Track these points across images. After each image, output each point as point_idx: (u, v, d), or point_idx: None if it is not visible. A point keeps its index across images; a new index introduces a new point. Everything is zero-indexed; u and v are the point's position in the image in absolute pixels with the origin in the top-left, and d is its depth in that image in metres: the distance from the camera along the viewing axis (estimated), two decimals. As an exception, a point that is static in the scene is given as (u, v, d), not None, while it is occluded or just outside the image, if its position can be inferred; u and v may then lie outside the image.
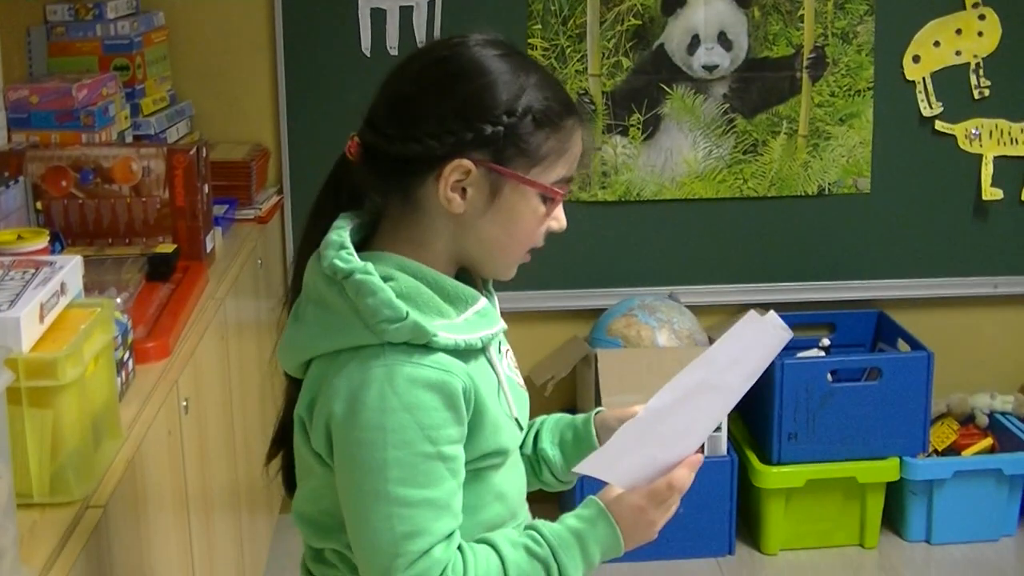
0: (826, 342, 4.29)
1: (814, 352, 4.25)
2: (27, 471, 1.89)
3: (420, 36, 3.96)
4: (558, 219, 1.80)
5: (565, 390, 4.12)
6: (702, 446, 1.84)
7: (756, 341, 1.78)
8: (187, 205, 3.05)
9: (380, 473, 1.64)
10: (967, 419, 4.35)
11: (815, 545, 4.15)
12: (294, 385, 1.81)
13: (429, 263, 1.74)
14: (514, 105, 1.71)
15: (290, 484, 1.89)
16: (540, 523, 1.77)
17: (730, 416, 4.05)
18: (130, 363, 2.37)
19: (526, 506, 1.91)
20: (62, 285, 2.03)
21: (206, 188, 3.12)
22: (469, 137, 1.69)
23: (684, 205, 4.20)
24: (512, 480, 1.85)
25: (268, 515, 3.70)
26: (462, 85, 1.71)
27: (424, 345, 1.66)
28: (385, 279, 1.68)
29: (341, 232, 1.72)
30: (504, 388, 1.80)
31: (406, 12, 3.99)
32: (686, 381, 1.76)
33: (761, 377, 4.12)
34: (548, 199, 1.76)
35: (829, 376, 4.02)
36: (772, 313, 1.75)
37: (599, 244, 4.20)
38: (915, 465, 4.06)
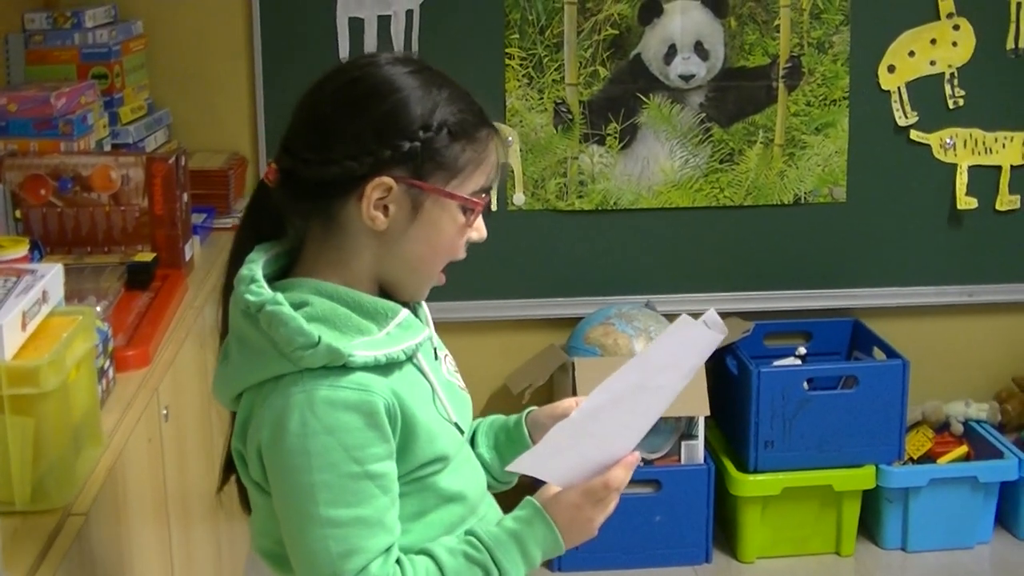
0: (802, 350, 4.32)
1: (791, 360, 4.28)
2: (8, 479, 1.89)
3: (398, 45, 3.97)
4: (478, 229, 1.84)
5: (542, 398, 4.13)
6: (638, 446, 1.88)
7: (691, 342, 1.80)
8: (166, 213, 3.05)
9: (309, 497, 1.67)
10: (942, 427, 4.37)
11: (792, 553, 4.17)
12: (234, 417, 1.84)
13: (352, 284, 1.77)
14: (429, 120, 1.73)
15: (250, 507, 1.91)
16: (478, 527, 1.80)
17: (707, 424, 4.06)
18: (110, 371, 2.37)
19: (488, 499, 1.93)
20: (44, 293, 2.03)
21: (185, 197, 3.12)
22: (387, 155, 1.72)
23: (661, 214, 4.21)
24: (464, 479, 1.86)
25: (246, 523, 3.69)
26: (376, 104, 1.73)
27: (342, 366, 1.68)
28: (299, 305, 1.70)
29: (252, 266, 1.75)
30: (439, 394, 1.82)
31: (384, 21, 3.99)
32: (620, 382, 1.79)
33: (738, 385, 4.15)
34: (468, 210, 1.79)
35: (805, 384, 4.04)
36: (712, 312, 1.78)
37: (576, 253, 4.22)
38: (891, 473, 4.08)
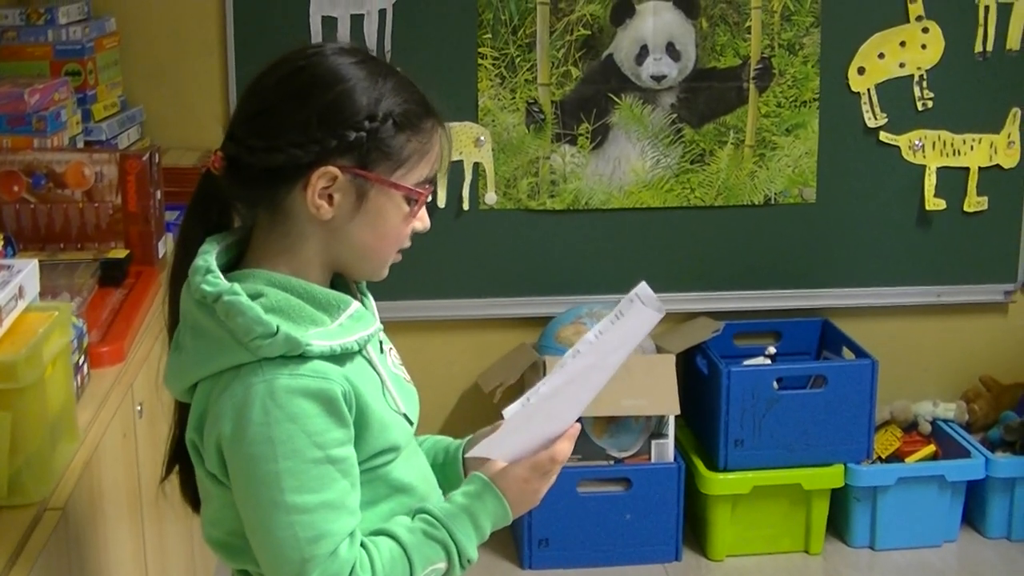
0: (772, 350, 4.34)
1: (760, 360, 4.30)
2: (-15, 473, 1.90)
3: (371, 44, 3.97)
4: (422, 219, 1.86)
5: (513, 397, 4.13)
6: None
7: (638, 322, 1.87)
8: (139, 210, 3.05)
9: (275, 484, 1.69)
10: (910, 426, 4.40)
11: (761, 551, 4.19)
12: (183, 408, 1.86)
13: (301, 272, 1.78)
14: (374, 110, 1.75)
15: (195, 502, 1.92)
16: (430, 506, 1.83)
17: (677, 423, 4.08)
18: (85, 367, 2.38)
19: (438, 492, 1.95)
20: (20, 288, 2.04)
21: (158, 194, 3.13)
22: (333, 144, 1.73)
23: (632, 214, 4.23)
24: (414, 471, 1.90)
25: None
26: (322, 93, 1.75)
27: (300, 355, 1.70)
28: (254, 296, 1.72)
29: (206, 257, 1.76)
30: (388, 386, 1.84)
31: (357, 20, 4.00)
32: (575, 366, 1.87)
33: (708, 384, 4.17)
34: (413, 200, 1.81)
35: (775, 383, 4.06)
36: (643, 285, 1.86)
37: (547, 252, 4.23)
38: (859, 472, 4.11)
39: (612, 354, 1.88)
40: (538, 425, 1.88)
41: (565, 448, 1.88)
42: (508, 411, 1.92)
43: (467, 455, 1.97)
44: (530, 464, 1.86)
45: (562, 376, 1.87)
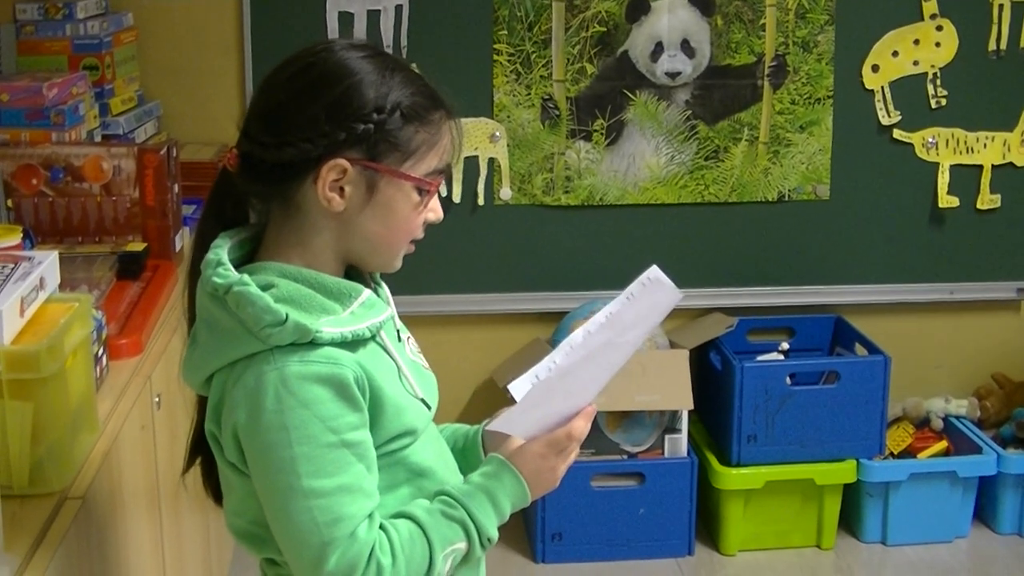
0: (785, 346, 4.34)
1: (773, 356, 4.30)
2: (7, 462, 1.92)
3: (387, 40, 3.99)
4: (434, 210, 1.88)
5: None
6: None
7: (656, 302, 1.91)
8: (157, 204, 3.07)
9: (291, 470, 1.71)
10: (922, 422, 4.41)
11: (773, 546, 4.20)
12: (203, 400, 1.87)
13: (314, 264, 1.81)
14: (382, 102, 1.77)
15: (216, 493, 1.94)
16: (449, 487, 1.85)
17: (690, 418, 4.09)
18: (104, 358, 2.40)
19: (458, 476, 1.96)
20: (41, 280, 2.06)
21: (176, 188, 3.15)
22: (342, 137, 1.76)
23: (646, 210, 4.24)
24: (433, 455, 1.91)
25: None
26: (330, 87, 1.77)
27: (310, 342, 1.72)
28: (265, 287, 1.74)
29: (218, 251, 1.78)
30: (404, 371, 1.86)
31: (373, 16, 4.02)
32: (593, 341, 1.89)
33: (721, 380, 4.17)
34: (423, 191, 1.83)
35: (788, 379, 4.07)
36: (655, 269, 1.92)
37: (562, 248, 4.24)
38: (871, 467, 4.12)
39: (629, 332, 1.89)
40: (555, 402, 1.89)
41: (582, 426, 1.90)
42: (514, 386, 1.94)
43: (486, 428, 1.99)
44: (546, 441, 1.88)
45: (580, 349, 1.88)
